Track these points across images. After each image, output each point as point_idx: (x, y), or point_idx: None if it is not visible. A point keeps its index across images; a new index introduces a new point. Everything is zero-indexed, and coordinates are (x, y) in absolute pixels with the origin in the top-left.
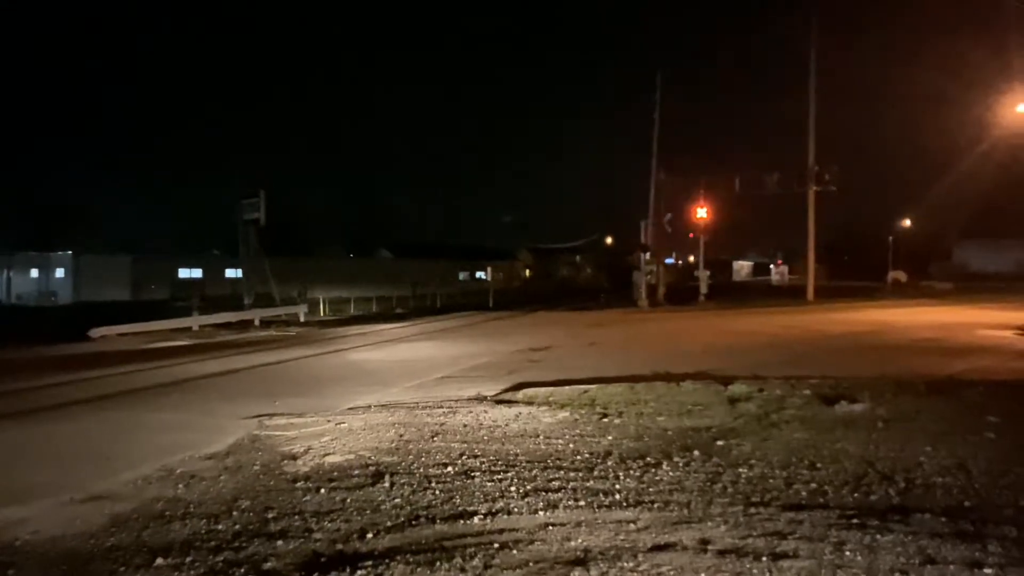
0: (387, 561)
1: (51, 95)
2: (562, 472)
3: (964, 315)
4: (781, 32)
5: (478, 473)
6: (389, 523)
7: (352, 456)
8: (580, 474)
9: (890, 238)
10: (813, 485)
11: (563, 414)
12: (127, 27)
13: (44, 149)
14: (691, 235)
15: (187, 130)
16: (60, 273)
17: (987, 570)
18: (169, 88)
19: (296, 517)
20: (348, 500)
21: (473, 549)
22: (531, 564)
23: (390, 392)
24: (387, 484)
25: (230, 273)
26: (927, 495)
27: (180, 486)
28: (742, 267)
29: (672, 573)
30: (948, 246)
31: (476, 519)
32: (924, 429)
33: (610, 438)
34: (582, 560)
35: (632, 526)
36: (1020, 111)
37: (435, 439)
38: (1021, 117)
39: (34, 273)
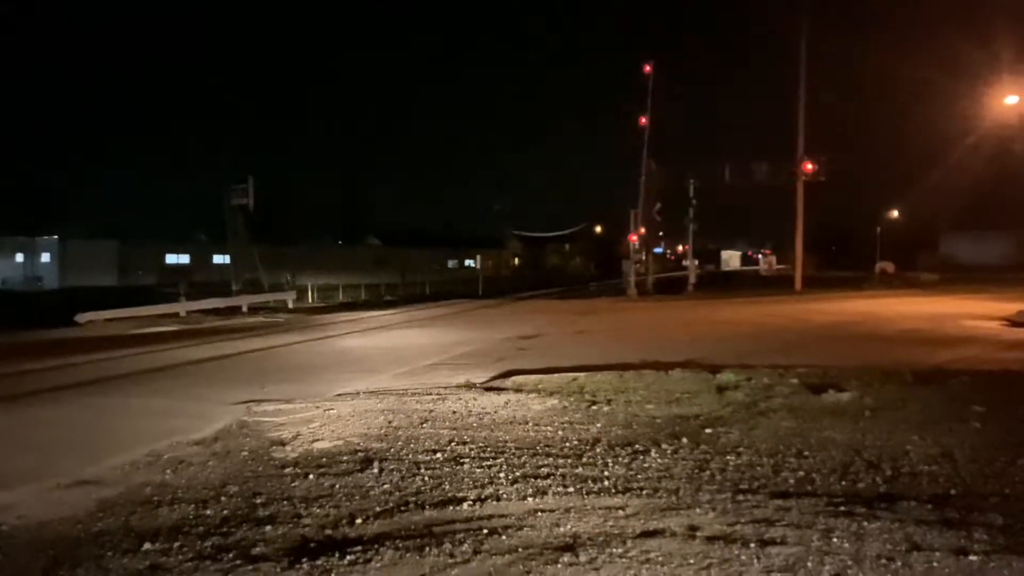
0: (376, 547)
1: (38, 81)
2: (551, 459)
3: (950, 306)
4: (773, 23)
5: (467, 459)
6: (378, 509)
7: (341, 442)
8: (569, 461)
9: (878, 229)
10: (801, 473)
11: (552, 401)
12: (116, 14)
13: (30, 134)
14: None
15: (176, 116)
16: (46, 258)
17: (972, 557)
18: (158, 73)
19: (285, 503)
20: (337, 486)
21: (462, 535)
22: (520, 550)
23: (379, 379)
24: (376, 470)
25: (218, 259)
26: (913, 483)
27: (168, 471)
28: (731, 257)
29: (661, 559)
30: (935, 237)
31: (465, 505)
32: (910, 418)
33: (599, 425)
34: (571, 546)
35: (621, 512)
36: (1008, 103)
37: (424, 426)
38: (1009, 109)
39: (19, 258)
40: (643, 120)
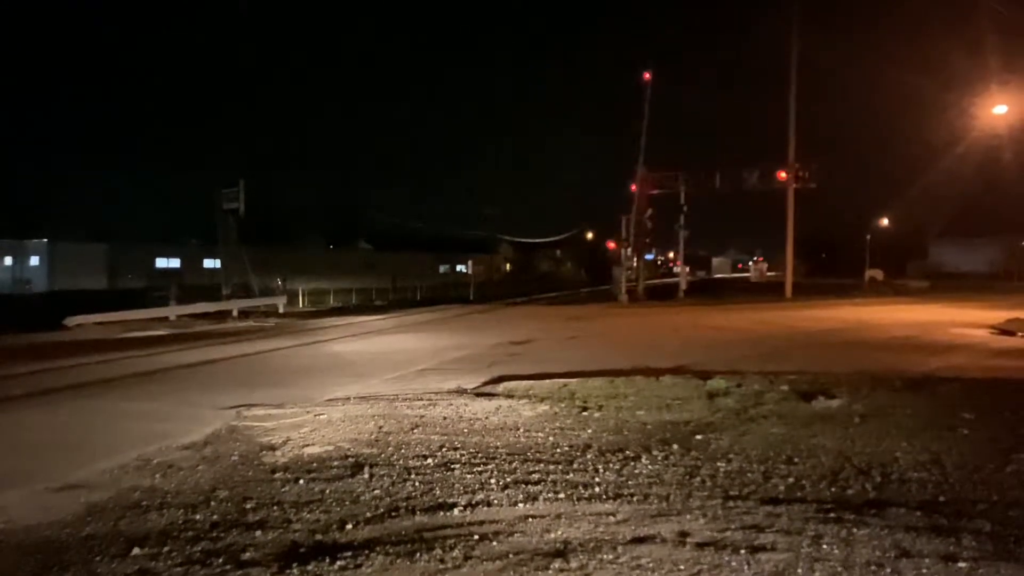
0: (366, 552)
1: (27, 83)
2: (542, 465)
3: (939, 313)
4: (764, 31)
5: (458, 465)
6: (368, 514)
7: (331, 447)
8: (560, 467)
9: (867, 236)
10: (791, 479)
11: (543, 407)
12: (106, 16)
13: (19, 136)
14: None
15: (166, 119)
16: (35, 261)
17: (961, 564)
18: (148, 77)
19: (275, 507)
20: (327, 491)
21: (453, 540)
22: (511, 556)
23: (370, 384)
24: (366, 475)
25: (208, 263)
26: (903, 490)
27: (157, 476)
28: (722, 263)
29: (651, 565)
30: (924, 245)
31: (456, 511)
32: (900, 425)
33: (590, 431)
34: (562, 552)
35: (611, 519)
36: (996, 113)
37: (415, 431)
38: (997, 119)
39: (8, 261)
40: (637, 126)
